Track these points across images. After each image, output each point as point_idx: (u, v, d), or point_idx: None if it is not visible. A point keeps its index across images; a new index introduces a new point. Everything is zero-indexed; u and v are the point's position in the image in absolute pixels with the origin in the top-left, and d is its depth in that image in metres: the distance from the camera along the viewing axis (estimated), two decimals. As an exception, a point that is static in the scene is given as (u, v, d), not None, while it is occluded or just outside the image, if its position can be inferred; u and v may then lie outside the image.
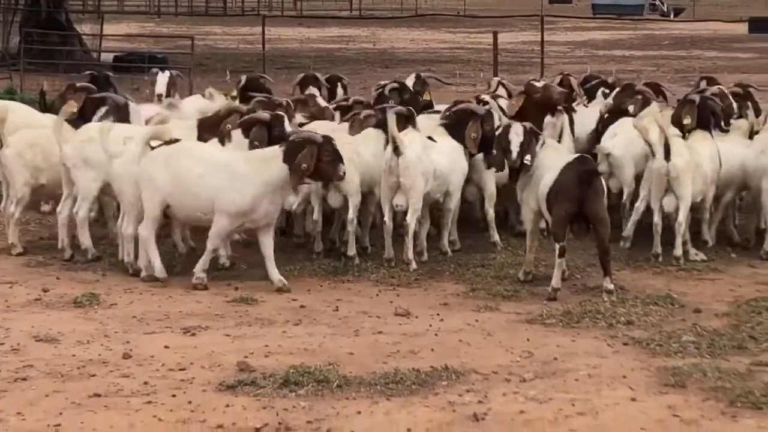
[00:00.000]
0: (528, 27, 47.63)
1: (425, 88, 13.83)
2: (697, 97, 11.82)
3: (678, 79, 29.99)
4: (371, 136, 11.22)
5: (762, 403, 7.31)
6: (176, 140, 10.35)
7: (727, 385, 7.66)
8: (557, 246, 9.87)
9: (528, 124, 10.44)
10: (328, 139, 10.03)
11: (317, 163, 9.93)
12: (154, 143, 10.31)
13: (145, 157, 10.22)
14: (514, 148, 10.21)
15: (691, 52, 40.84)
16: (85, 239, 11.03)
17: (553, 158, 10.15)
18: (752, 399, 7.37)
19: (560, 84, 13.64)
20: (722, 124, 11.73)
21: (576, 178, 9.78)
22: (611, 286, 9.86)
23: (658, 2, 73.80)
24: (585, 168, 9.88)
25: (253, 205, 10.00)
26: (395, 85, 13.19)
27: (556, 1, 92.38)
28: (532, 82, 13.10)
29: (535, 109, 12.12)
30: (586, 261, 10.85)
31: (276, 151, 10.05)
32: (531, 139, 10.25)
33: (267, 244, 10.17)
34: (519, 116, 11.64)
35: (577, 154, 10.22)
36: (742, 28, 51.32)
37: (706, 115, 11.65)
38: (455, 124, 11.25)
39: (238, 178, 10.00)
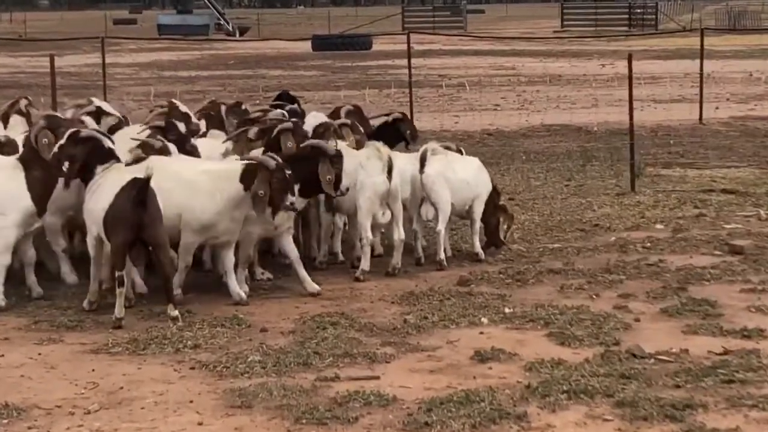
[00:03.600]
0: (93, 49, 47.21)
1: None
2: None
3: (244, 98, 30.44)
4: None
5: (326, 418, 7.50)
6: None
7: (293, 402, 7.81)
8: (116, 275, 9.73)
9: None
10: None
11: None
12: None
13: None
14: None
15: (256, 71, 41.60)
16: None
17: (111, 181, 9.93)
18: (317, 415, 7.55)
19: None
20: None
21: (131, 203, 9.63)
22: (175, 313, 9.84)
23: (223, 22, 74.68)
24: (139, 192, 9.63)
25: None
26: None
27: (121, 22, 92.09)
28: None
29: None
30: (154, 284, 10.81)
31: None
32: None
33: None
34: None
35: (132, 177, 9.84)
36: (306, 46, 52.83)
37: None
38: None
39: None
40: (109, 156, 10.32)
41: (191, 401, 7.94)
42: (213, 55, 52.42)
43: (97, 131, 10.84)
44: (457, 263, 11.87)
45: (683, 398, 7.74)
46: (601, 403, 7.74)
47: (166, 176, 10.09)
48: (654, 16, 75.48)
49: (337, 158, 10.73)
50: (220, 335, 9.47)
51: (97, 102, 12.85)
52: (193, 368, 8.68)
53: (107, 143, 10.44)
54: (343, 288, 11.03)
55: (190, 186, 10.28)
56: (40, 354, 9.11)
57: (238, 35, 69.27)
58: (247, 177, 10.19)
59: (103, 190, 9.92)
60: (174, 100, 13.48)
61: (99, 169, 10.19)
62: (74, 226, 11.36)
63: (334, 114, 13.17)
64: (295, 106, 14.00)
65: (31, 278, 10.77)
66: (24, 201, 10.40)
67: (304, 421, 7.50)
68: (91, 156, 10.22)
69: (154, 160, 10.38)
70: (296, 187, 10.32)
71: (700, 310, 10.01)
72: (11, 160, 10.59)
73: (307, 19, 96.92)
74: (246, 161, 10.38)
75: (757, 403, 7.65)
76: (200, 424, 7.53)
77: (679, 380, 8.15)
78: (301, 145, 10.99)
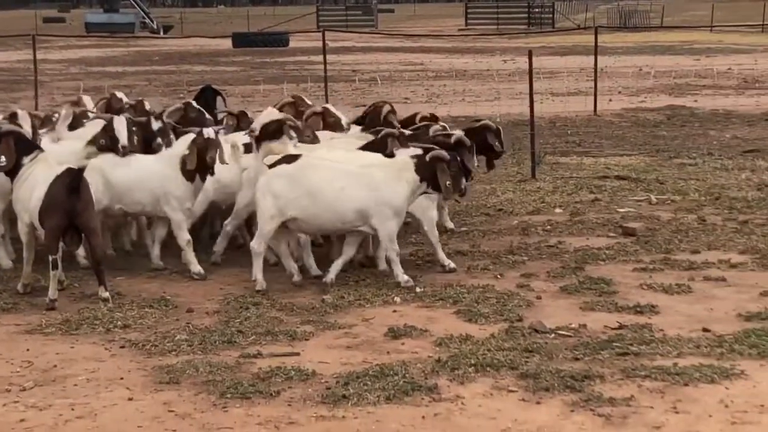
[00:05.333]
0: (24, 46, 46.64)
1: None
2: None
3: (169, 92, 30.26)
4: None
5: (250, 393, 7.47)
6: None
7: (218, 378, 7.78)
8: (50, 258, 9.61)
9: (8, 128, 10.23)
10: None
11: None
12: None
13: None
14: None
15: (180, 67, 41.32)
16: None
17: (43, 172, 9.83)
18: (241, 389, 7.52)
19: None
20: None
21: (65, 191, 9.54)
22: (106, 294, 9.77)
23: (148, 20, 73.97)
24: (73, 181, 9.57)
25: None
26: None
27: (51, 20, 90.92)
28: None
29: None
30: (84, 273, 10.69)
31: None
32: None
33: None
34: None
35: (65, 167, 9.78)
36: (227, 43, 52.55)
37: None
38: None
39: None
40: (33, 147, 10.20)
41: (122, 378, 7.88)
42: (138, 51, 51.91)
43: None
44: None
45: (582, 370, 7.80)
46: (506, 375, 7.78)
47: (330, 176, 10.10)
48: (551, 15, 75.93)
49: (472, 149, 10.98)
50: (148, 316, 9.41)
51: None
52: (123, 347, 8.60)
53: (29, 135, 10.39)
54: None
55: (369, 181, 10.11)
56: (-23, 335, 8.99)
57: (162, 33, 68.67)
58: (423, 168, 10.14)
59: (36, 179, 9.80)
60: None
61: (26, 160, 10.06)
62: None
63: (412, 119, 13.12)
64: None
65: None
66: None
67: (228, 395, 7.46)
68: (16, 149, 10.08)
69: (306, 159, 10.29)
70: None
71: (597, 288, 10.09)
72: None
73: (228, 18, 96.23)
74: (414, 153, 10.31)
75: (649, 373, 7.72)
76: (130, 399, 7.47)
77: (577, 353, 8.22)
78: (448, 139, 11.04)
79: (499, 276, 10.62)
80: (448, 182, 10.15)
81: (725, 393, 7.40)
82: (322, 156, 10.53)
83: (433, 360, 8.09)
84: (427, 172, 10.15)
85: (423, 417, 7.10)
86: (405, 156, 10.33)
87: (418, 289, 10.09)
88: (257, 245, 10.25)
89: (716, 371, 7.74)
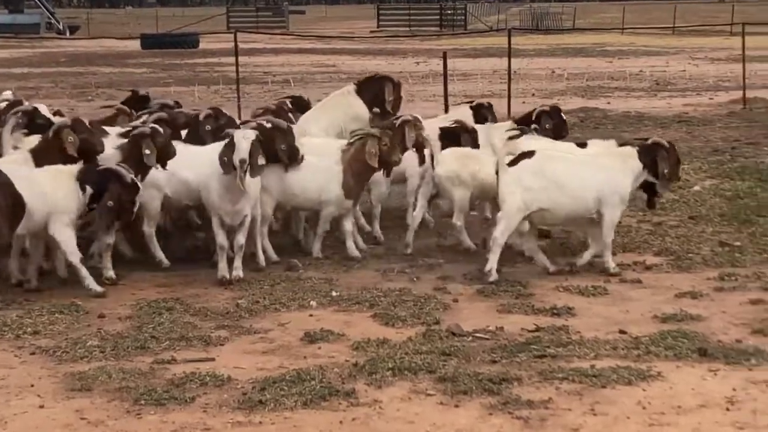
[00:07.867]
0: (-75, 46, 45.81)
1: None
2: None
3: (76, 94, 29.94)
4: None
5: (164, 399, 7.42)
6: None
7: (132, 384, 7.71)
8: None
9: None
10: None
11: None
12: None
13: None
14: None
15: (88, 69, 40.91)
16: None
17: None
18: (155, 396, 7.46)
19: None
20: None
21: None
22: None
23: (53, 21, 73.15)
24: None
25: None
26: None
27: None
28: None
29: None
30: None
31: None
32: None
33: None
34: None
35: None
36: (135, 44, 52.13)
37: None
38: None
39: None
40: None
41: (32, 385, 7.78)
42: (44, 53, 51.32)
43: None
44: (288, 252, 11.78)
45: (500, 373, 7.84)
46: (424, 378, 7.81)
47: (569, 166, 10.60)
48: (463, 17, 76.35)
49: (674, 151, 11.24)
50: (59, 321, 9.30)
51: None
52: (33, 353, 8.50)
53: None
54: (177, 275, 10.90)
55: (602, 168, 10.65)
56: None
57: (68, 34, 67.93)
58: (645, 155, 10.81)
59: None
60: None
61: None
62: None
63: (528, 115, 13.51)
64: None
65: None
66: None
67: (142, 402, 7.40)
68: None
69: (544, 152, 10.69)
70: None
71: (513, 290, 10.17)
72: None
73: (135, 19, 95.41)
74: (639, 142, 11.06)
75: (567, 376, 7.79)
76: (42, 407, 7.38)
77: (495, 356, 8.26)
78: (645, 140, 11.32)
79: (415, 279, 10.65)
80: (666, 170, 10.78)
81: (642, 394, 7.49)
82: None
83: (351, 364, 8.10)
84: (648, 159, 10.78)
85: (341, 422, 7.09)
86: (626, 146, 11.00)
87: (334, 293, 10.08)
88: (500, 236, 10.48)
89: (633, 373, 7.82)
